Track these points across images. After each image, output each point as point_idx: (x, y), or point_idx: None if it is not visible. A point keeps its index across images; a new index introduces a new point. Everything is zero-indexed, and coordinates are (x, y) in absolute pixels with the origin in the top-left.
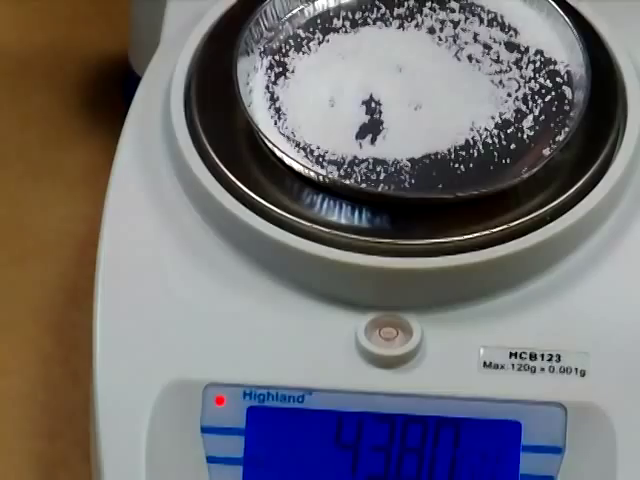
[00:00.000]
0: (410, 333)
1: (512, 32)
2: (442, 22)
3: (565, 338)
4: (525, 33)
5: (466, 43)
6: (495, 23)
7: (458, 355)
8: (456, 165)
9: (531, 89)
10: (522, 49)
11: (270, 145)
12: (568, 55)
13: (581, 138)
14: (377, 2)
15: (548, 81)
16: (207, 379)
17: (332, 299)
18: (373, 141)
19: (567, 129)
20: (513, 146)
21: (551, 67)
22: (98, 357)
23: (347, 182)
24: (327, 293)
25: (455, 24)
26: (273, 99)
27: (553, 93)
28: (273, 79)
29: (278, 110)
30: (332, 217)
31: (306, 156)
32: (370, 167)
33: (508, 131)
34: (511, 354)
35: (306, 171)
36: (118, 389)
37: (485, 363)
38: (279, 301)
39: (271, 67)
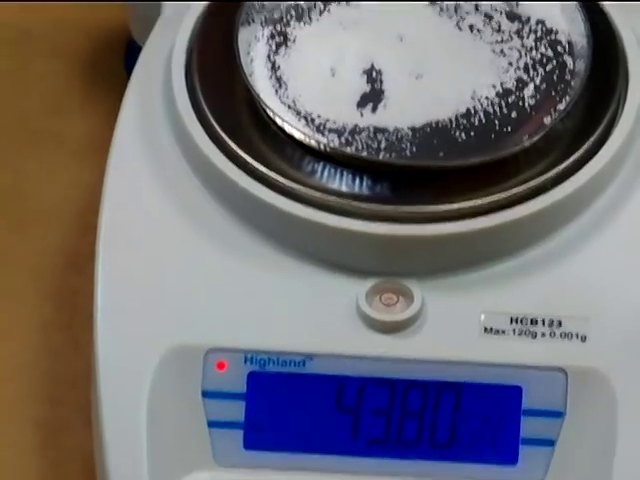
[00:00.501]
0: (411, 299)
1: (513, 2)
2: None
3: (566, 304)
4: (526, 3)
5: (467, 13)
6: None
7: (459, 321)
8: (457, 133)
9: (532, 58)
10: (523, 19)
11: (271, 114)
12: (569, 25)
13: (582, 107)
14: None
15: (549, 50)
16: (208, 344)
17: (333, 265)
18: (374, 110)
19: (568, 98)
20: (514, 115)
21: (552, 36)
22: (99, 323)
23: (348, 150)
24: (328, 259)
25: None
26: (274, 68)
27: (554, 62)
28: (274, 48)
29: (279, 79)
30: (333, 185)
31: (307, 125)
32: (371, 135)
33: (509, 100)
34: (512, 319)
35: (307, 139)
36: (119, 354)
37: (486, 328)
38: (280, 267)
39: (272, 37)
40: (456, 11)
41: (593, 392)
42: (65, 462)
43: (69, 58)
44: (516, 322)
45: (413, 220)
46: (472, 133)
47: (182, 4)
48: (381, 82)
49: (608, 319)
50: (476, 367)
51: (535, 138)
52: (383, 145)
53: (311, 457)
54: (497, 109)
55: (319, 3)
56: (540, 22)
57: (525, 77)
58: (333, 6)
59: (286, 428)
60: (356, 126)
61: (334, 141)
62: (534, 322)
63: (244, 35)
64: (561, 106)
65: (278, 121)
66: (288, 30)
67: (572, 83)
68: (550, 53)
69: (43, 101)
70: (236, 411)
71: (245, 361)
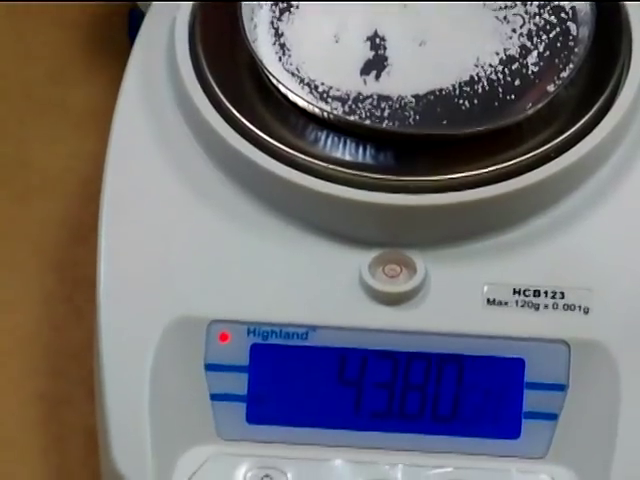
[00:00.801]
0: (414, 270)
1: None
2: None
3: (569, 275)
4: None
5: None
6: None
7: (462, 292)
8: (460, 101)
9: (536, 25)
10: None
11: (274, 81)
12: None
13: (585, 74)
14: None
15: (553, 17)
16: (211, 316)
17: (336, 236)
18: (377, 77)
19: (572, 65)
20: (517, 82)
21: (556, 3)
22: (102, 294)
23: (351, 118)
24: (331, 230)
25: None
26: (278, 35)
27: (558, 29)
28: (278, 15)
29: (283, 46)
30: (336, 153)
31: (310, 92)
32: (374, 103)
33: (513, 67)
34: (515, 291)
35: (310, 107)
36: (122, 326)
37: (489, 300)
38: (283, 238)
39: (276, 2)
40: None
41: (596, 365)
42: (67, 436)
43: (71, 26)
44: (519, 294)
45: (416, 190)
46: (475, 101)
47: None
48: (385, 49)
49: (611, 291)
50: (479, 339)
51: (539, 106)
52: (386, 113)
53: (313, 431)
54: (500, 77)
55: None
56: None
57: (528, 44)
58: None
59: (289, 401)
60: (359, 94)
61: (337, 109)
62: (537, 294)
63: (248, 1)
64: (564, 73)
65: (281, 88)
66: None
67: (576, 50)
68: (554, 19)
69: (46, 69)
70: (239, 384)
71: (248, 333)
